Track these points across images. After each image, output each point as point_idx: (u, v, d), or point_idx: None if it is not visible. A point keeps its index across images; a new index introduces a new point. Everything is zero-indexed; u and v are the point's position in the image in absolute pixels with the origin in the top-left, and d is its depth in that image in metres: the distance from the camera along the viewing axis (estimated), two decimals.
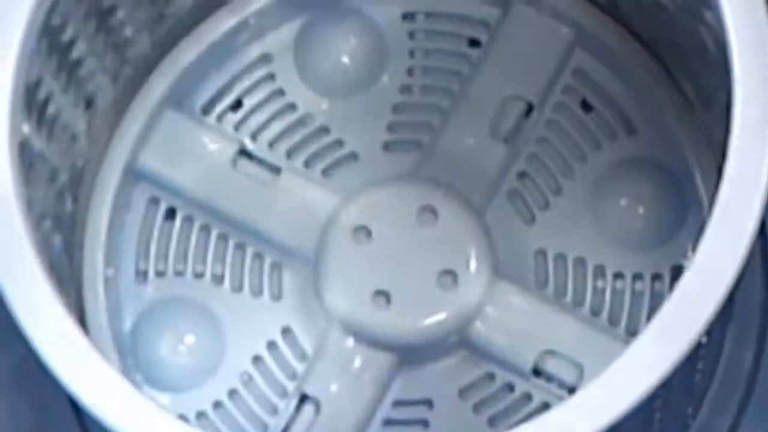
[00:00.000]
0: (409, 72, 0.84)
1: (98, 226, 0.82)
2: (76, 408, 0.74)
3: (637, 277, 0.80)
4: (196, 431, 0.66)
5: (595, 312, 0.80)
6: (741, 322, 0.78)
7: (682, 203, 0.81)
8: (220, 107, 0.84)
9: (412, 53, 0.85)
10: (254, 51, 0.84)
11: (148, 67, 0.83)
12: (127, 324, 0.81)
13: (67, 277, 0.76)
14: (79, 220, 0.81)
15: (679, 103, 0.81)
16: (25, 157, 0.69)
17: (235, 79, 0.85)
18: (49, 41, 0.71)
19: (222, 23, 0.84)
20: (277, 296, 0.82)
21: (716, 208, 0.65)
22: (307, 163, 0.83)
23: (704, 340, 0.66)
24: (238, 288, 0.82)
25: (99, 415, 0.65)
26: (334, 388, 0.79)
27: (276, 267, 0.82)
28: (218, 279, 0.82)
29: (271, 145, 0.84)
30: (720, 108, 0.67)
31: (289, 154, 0.83)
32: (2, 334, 0.70)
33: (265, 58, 0.85)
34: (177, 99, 0.83)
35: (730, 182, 0.66)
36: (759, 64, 0.66)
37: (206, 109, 0.84)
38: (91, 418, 0.66)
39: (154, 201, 0.83)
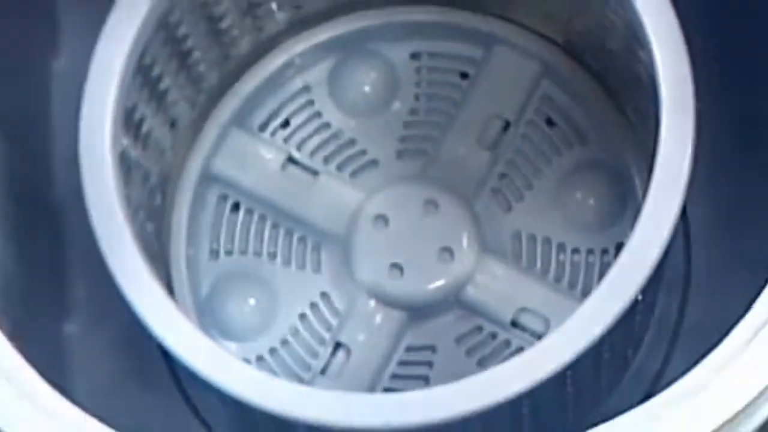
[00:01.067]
0: (416, 98, 0.84)
1: (180, 217, 0.82)
2: (169, 362, 0.75)
3: (589, 252, 0.81)
4: (256, 371, 0.68)
5: (558, 279, 0.81)
6: (668, 284, 0.78)
7: (623, 196, 0.82)
8: (272, 125, 0.85)
9: (418, 84, 0.85)
10: (298, 83, 0.85)
11: (218, 95, 0.84)
12: (204, 291, 0.82)
13: (157, 255, 0.77)
14: (166, 212, 0.82)
15: (621, 121, 0.83)
16: (124, 164, 0.70)
17: (284, 104, 0.85)
18: (141, 77, 0.72)
19: (274, 62, 0.84)
20: (317, 269, 0.82)
21: (648, 200, 0.67)
22: (339, 168, 0.84)
23: (640, 298, 0.67)
24: (287, 263, 0.82)
25: (185, 360, 0.66)
26: (361, 337, 0.80)
27: (316, 247, 0.82)
28: (272, 256, 0.83)
29: (311, 154, 0.84)
30: (651, 125, 0.68)
31: (325, 160, 0.84)
32: (106, 306, 0.71)
33: (306, 89, 0.85)
34: (240, 119, 0.84)
35: (658, 181, 0.67)
36: (681, 93, 0.67)
37: (262, 127, 0.85)
38: (181, 366, 0.67)
39: (223, 197, 0.83)
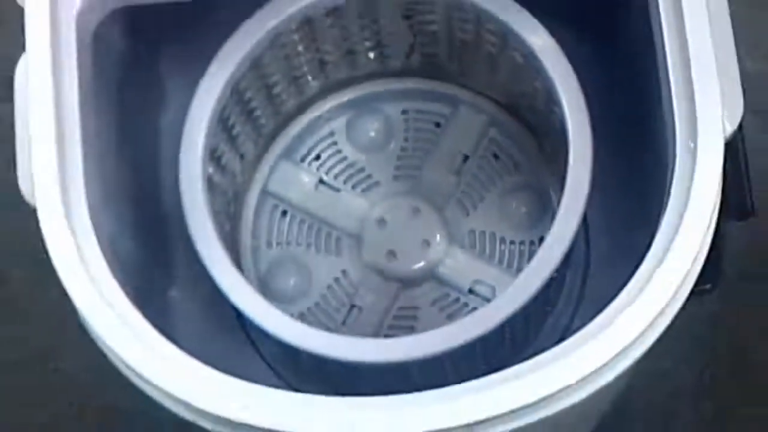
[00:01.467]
0: (405, 140, 0.84)
1: (247, 220, 0.82)
2: (239, 317, 0.74)
3: (521, 243, 0.81)
4: (297, 323, 0.68)
5: (500, 261, 0.81)
6: (574, 266, 0.78)
7: (543, 206, 0.81)
8: (308, 158, 0.84)
9: (407, 130, 0.84)
10: (326, 130, 0.84)
11: (272, 138, 0.83)
12: (263, 269, 0.82)
13: (231, 246, 0.77)
14: (237, 216, 0.82)
15: (543, 155, 0.82)
16: (210, 184, 0.71)
17: (316, 144, 0.85)
18: (221, 126, 0.73)
19: (309, 115, 0.84)
20: (338, 254, 0.82)
21: (560, 209, 0.67)
22: (353, 186, 0.83)
23: (555, 275, 0.67)
24: (318, 250, 0.82)
25: (250, 315, 0.67)
26: (368, 300, 0.80)
27: (338, 239, 0.82)
28: (308, 246, 0.82)
29: (335, 177, 0.83)
30: (563, 158, 0.68)
31: (344, 182, 0.83)
32: (197, 279, 0.71)
33: (331, 134, 0.84)
34: (287, 154, 0.84)
35: (567, 195, 0.68)
36: (582, 136, 0.68)
37: (302, 159, 0.84)
38: (247, 319, 0.69)
39: (275, 207, 0.83)
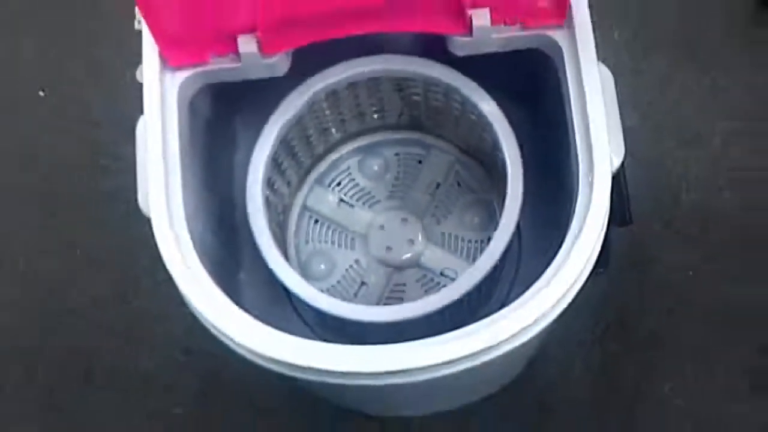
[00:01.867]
0: (397, 173, 0.83)
1: (292, 226, 0.82)
2: (286, 292, 0.73)
3: (476, 241, 0.80)
4: (324, 295, 0.68)
5: (461, 253, 0.80)
6: (510, 257, 0.78)
7: (490, 216, 0.81)
8: (333, 184, 0.83)
9: (398, 166, 0.83)
10: (344, 165, 0.83)
11: (308, 171, 0.83)
12: (302, 259, 0.81)
13: (281, 243, 0.77)
14: (285, 223, 0.81)
15: (491, 182, 0.81)
16: (267, 202, 0.70)
17: (338, 175, 0.84)
18: (274, 163, 0.73)
19: (334, 155, 0.83)
20: (352, 248, 0.81)
21: (502, 218, 0.67)
22: (362, 203, 0.82)
23: (498, 263, 0.67)
24: (339, 246, 0.81)
25: (293, 290, 0.67)
26: (373, 280, 0.79)
27: (352, 239, 0.81)
28: (333, 243, 0.81)
29: (350, 197, 0.82)
30: (505, 184, 0.68)
31: (356, 200, 0.82)
32: (258, 266, 0.70)
33: (348, 168, 0.83)
34: (319, 181, 0.83)
35: (506, 209, 0.67)
36: (516, 169, 0.67)
37: (329, 185, 0.83)
38: (291, 293, 0.68)
39: (311, 217, 0.82)
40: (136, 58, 0.60)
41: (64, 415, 0.90)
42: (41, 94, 0.99)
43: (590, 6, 0.60)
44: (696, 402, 0.89)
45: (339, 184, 0.83)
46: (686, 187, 0.93)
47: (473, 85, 0.69)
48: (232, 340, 0.55)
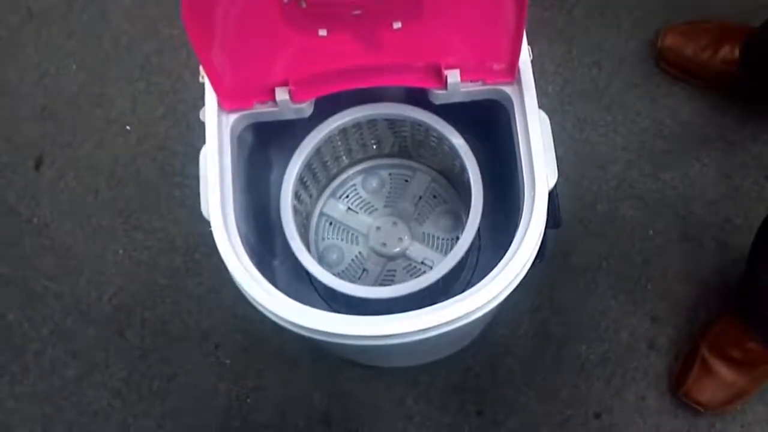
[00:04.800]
0: (390, 188, 0.82)
1: (313, 227, 0.80)
2: (309, 276, 0.72)
3: (447, 239, 0.79)
4: (335, 278, 0.67)
5: (437, 248, 0.79)
6: (473, 250, 0.76)
7: (458, 221, 0.79)
8: (343, 197, 0.82)
9: (391, 184, 0.82)
10: (351, 183, 0.82)
11: (324, 187, 0.81)
12: (320, 251, 0.80)
13: (305, 240, 0.76)
14: (308, 225, 0.80)
15: (459, 197, 0.80)
16: (295, 210, 0.69)
17: (347, 190, 0.82)
18: (299, 180, 0.71)
19: (344, 176, 0.82)
20: (357, 244, 0.80)
21: (467, 224, 0.66)
22: (364, 211, 0.81)
23: (464, 255, 0.66)
24: (347, 242, 0.80)
25: (314, 273, 0.66)
26: (371, 266, 0.78)
27: (356, 237, 0.80)
28: (342, 239, 0.80)
29: (356, 206, 0.81)
30: (469, 198, 0.67)
31: (360, 208, 0.81)
32: (288, 255, 0.69)
33: (355, 185, 0.82)
34: (333, 195, 0.82)
35: (470, 216, 0.67)
36: (478, 190, 0.67)
37: (340, 197, 0.82)
38: (312, 276, 0.67)
39: (327, 221, 0.81)
40: (199, 103, 0.60)
41: (149, 359, 0.90)
42: (127, 128, 0.99)
43: (533, 68, 0.60)
44: (605, 356, 0.88)
45: (347, 196, 0.83)
46: (599, 199, 0.94)
47: (447, 125, 0.69)
48: (269, 310, 0.55)
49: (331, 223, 0.82)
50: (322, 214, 0.82)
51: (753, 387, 0.81)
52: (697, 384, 0.81)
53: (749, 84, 0.89)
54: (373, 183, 0.83)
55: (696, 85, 0.94)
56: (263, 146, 0.74)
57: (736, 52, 0.88)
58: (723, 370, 0.80)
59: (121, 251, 0.94)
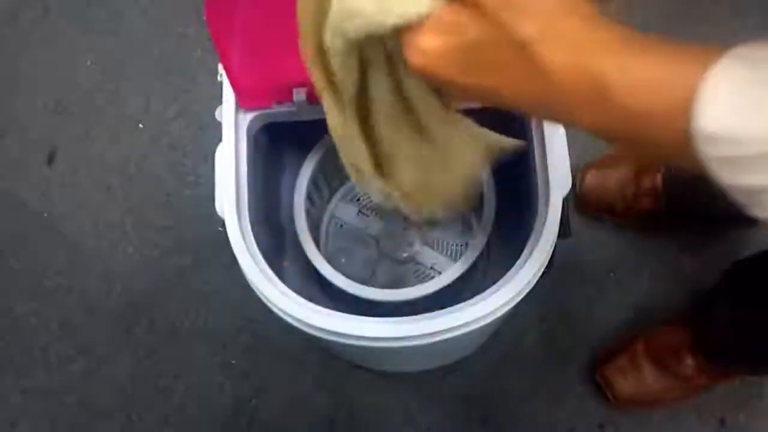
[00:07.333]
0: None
1: (324, 229, 0.81)
2: (318, 275, 0.72)
3: (458, 245, 0.79)
4: (344, 277, 0.67)
5: (448, 254, 0.79)
6: (482, 258, 0.76)
7: (468, 227, 0.79)
8: (354, 200, 0.82)
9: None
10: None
11: (336, 190, 0.82)
12: (331, 253, 0.80)
13: (316, 241, 0.75)
14: (320, 227, 0.80)
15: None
16: (308, 213, 0.70)
17: (357, 193, 0.83)
18: (313, 184, 0.72)
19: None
20: (368, 247, 0.80)
21: (480, 230, 0.65)
22: (375, 215, 0.81)
23: (474, 261, 0.66)
24: (358, 244, 0.80)
25: (324, 272, 0.66)
26: (381, 269, 0.78)
27: (367, 240, 0.80)
28: (353, 242, 0.80)
29: (367, 209, 0.82)
30: (481, 206, 0.67)
31: (370, 212, 0.82)
32: (299, 256, 0.70)
33: (356, 195, 0.82)
34: (344, 198, 0.82)
35: (483, 224, 0.66)
36: (491, 197, 0.66)
37: (351, 200, 0.82)
38: (321, 275, 0.67)
39: (337, 223, 0.81)
40: (213, 103, 0.60)
41: (155, 356, 0.91)
42: (140, 126, 0.99)
43: None
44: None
45: (359, 200, 0.83)
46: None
47: None
48: (284, 311, 0.55)
49: (341, 226, 0.82)
50: (333, 216, 0.82)
51: (668, 397, 0.80)
52: (617, 372, 0.81)
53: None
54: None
55: None
56: (276, 147, 0.74)
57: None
58: (647, 369, 0.79)
59: (130, 248, 0.95)
